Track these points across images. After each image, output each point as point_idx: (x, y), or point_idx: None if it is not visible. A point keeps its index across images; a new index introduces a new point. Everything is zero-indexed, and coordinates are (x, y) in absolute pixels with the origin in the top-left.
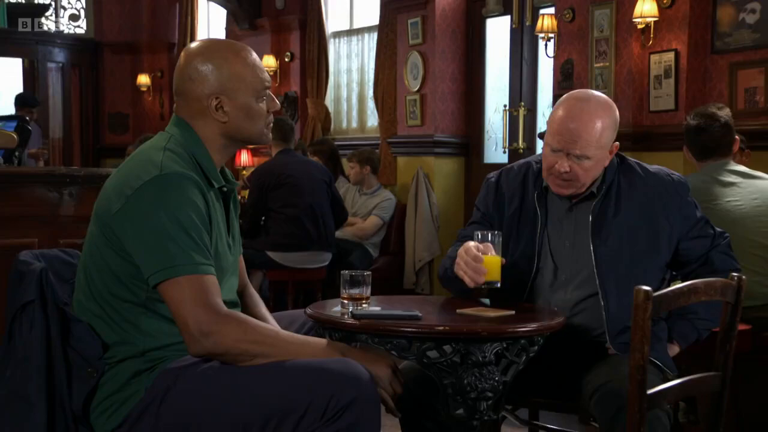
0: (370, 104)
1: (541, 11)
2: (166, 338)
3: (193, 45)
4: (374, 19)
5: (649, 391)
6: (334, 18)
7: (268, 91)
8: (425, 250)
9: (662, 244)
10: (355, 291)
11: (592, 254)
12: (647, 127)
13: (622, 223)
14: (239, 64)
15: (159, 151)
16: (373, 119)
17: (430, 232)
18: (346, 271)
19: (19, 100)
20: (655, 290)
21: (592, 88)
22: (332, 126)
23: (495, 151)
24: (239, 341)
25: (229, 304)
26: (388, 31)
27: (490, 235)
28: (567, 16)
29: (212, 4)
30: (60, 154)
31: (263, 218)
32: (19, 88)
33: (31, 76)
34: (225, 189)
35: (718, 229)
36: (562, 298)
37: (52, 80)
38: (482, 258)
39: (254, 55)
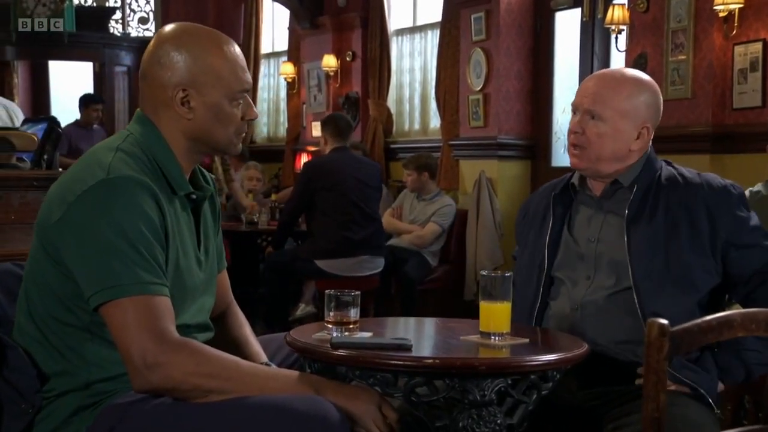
0: (433, 105)
1: (614, 1)
2: (114, 368)
3: (172, 26)
4: (438, 16)
5: None
6: (397, 15)
7: (245, 95)
8: (487, 260)
9: (704, 245)
10: (340, 314)
11: (626, 245)
12: (729, 126)
13: (660, 219)
14: (217, 57)
15: (109, 152)
16: (435, 120)
17: (492, 240)
18: (331, 291)
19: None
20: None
21: (667, 84)
22: (394, 128)
23: (563, 154)
24: (190, 375)
25: (197, 327)
26: (450, 28)
27: (500, 277)
28: (641, 6)
29: (276, 4)
30: None
31: (306, 220)
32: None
33: (100, 80)
34: (194, 197)
35: None
36: (581, 293)
37: (118, 84)
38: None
39: (238, 50)
